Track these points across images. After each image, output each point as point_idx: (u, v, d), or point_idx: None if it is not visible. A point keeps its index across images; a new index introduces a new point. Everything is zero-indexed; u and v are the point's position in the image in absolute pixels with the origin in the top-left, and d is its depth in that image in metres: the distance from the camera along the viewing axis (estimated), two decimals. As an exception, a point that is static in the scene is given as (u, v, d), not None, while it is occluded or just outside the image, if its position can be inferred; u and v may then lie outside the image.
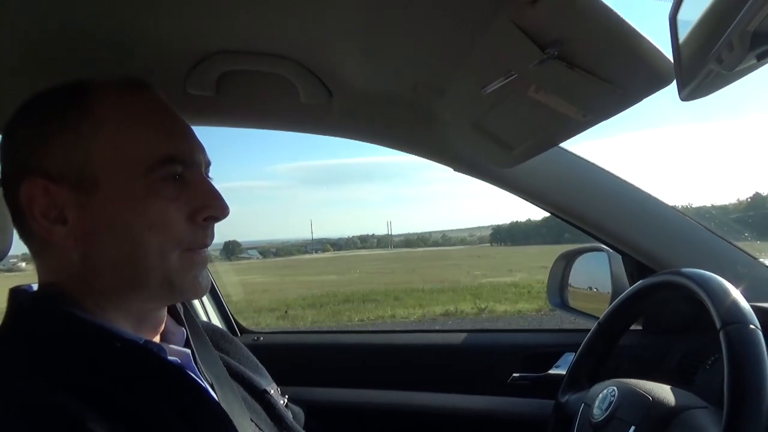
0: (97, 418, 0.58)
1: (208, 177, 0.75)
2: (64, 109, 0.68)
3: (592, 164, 1.21)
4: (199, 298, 0.71)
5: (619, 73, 0.67)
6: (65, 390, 0.59)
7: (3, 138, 0.72)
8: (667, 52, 0.62)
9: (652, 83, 0.67)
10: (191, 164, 0.71)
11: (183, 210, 0.69)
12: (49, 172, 0.67)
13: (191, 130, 0.75)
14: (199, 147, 0.74)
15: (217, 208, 0.71)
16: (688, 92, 0.55)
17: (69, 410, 0.57)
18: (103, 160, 0.67)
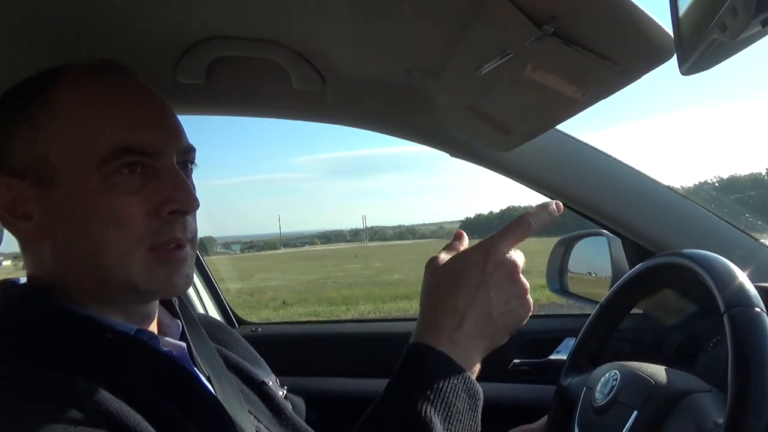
0: (90, 407, 0.57)
1: (192, 163, 0.72)
2: (28, 102, 0.66)
3: (590, 147, 1.20)
4: (175, 296, 0.70)
5: (618, 48, 0.66)
6: (55, 380, 0.58)
7: None
8: (667, 26, 0.61)
9: (652, 58, 0.65)
10: (154, 154, 0.66)
11: (145, 204, 0.65)
12: (12, 168, 0.65)
13: (163, 115, 0.70)
14: (169, 134, 0.69)
15: (181, 201, 0.66)
16: (689, 66, 0.53)
17: (65, 387, 0.56)
18: (61, 153, 0.64)
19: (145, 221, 0.64)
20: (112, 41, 0.90)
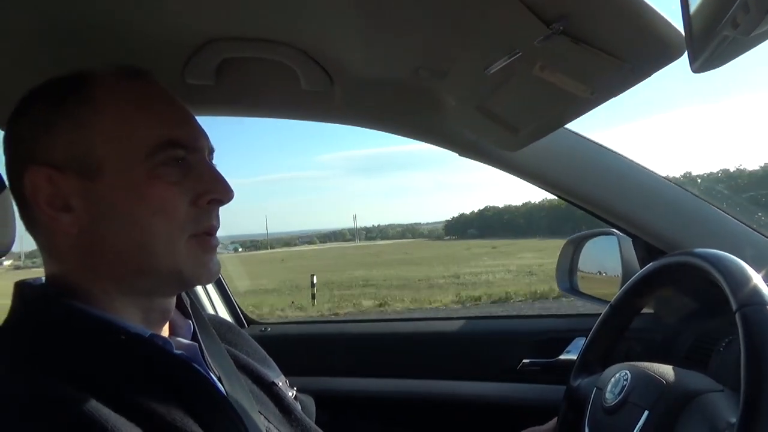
0: (103, 411, 0.58)
1: (212, 162, 0.75)
2: (65, 98, 0.68)
3: (599, 145, 1.19)
4: (209, 283, 0.73)
5: (628, 46, 0.65)
6: (70, 384, 0.58)
7: (6, 129, 0.72)
8: (677, 23, 0.60)
9: (663, 56, 0.64)
10: (193, 149, 0.71)
11: (186, 194, 0.69)
12: (52, 161, 0.67)
13: (192, 115, 0.75)
14: (200, 132, 0.74)
15: (221, 192, 0.71)
16: (701, 63, 0.52)
17: (74, 403, 0.57)
18: (105, 146, 0.67)
19: (187, 210, 0.69)
20: (121, 43, 0.91)
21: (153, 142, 0.67)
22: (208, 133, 0.75)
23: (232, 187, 0.73)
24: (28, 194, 0.67)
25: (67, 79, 0.70)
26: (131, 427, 0.58)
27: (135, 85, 0.71)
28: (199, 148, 0.72)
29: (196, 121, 0.75)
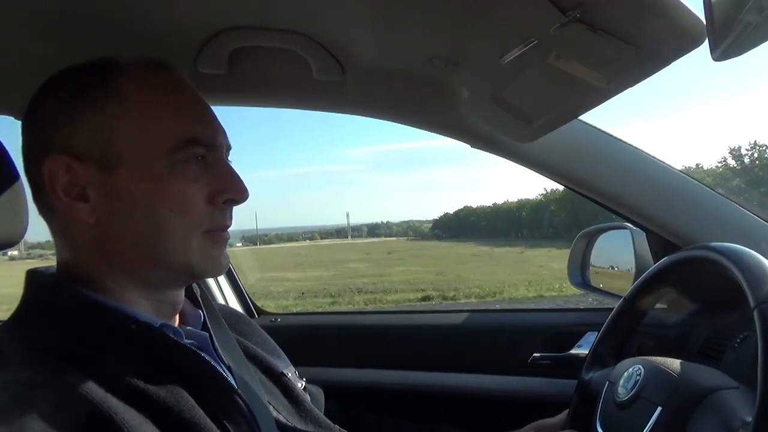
0: (114, 398, 0.58)
1: (229, 161, 0.75)
2: (90, 87, 0.68)
3: (614, 137, 1.17)
4: (218, 276, 0.74)
5: (646, 34, 0.64)
6: (81, 371, 0.59)
7: (27, 114, 0.72)
8: (697, 10, 0.59)
9: (682, 44, 0.63)
10: (213, 147, 0.71)
11: (203, 191, 0.69)
12: (73, 150, 0.67)
13: (213, 112, 0.75)
14: (220, 130, 0.74)
15: (237, 191, 0.72)
16: (722, 51, 0.51)
17: (86, 389, 0.57)
18: (128, 139, 0.67)
19: (203, 207, 0.69)
20: (135, 33, 0.91)
21: (176, 138, 0.67)
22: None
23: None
24: (45, 181, 0.67)
25: (90, 67, 0.70)
26: (138, 416, 0.59)
27: (160, 78, 0.71)
28: (218, 146, 0.72)
29: (216, 118, 0.75)
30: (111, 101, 0.67)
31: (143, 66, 0.71)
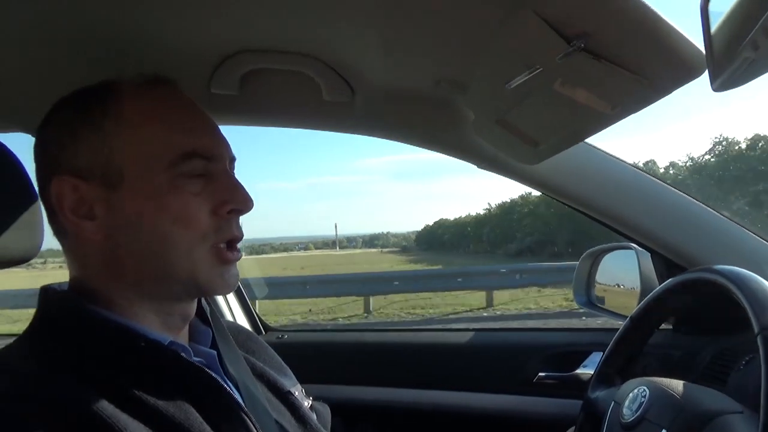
0: (124, 414, 0.59)
1: (233, 172, 0.76)
2: (90, 109, 0.70)
3: (618, 160, 1.18)
4: (226, 294, 0.74)
5: (648, 64, 0.65)
6: (91, 386, 0.60)
7: (36, 138, 0.74)
8: (698, 42, 0.60)
9: (683, 74, 0.64)
10: (214, 159, 0.72)
11: (207, 204, 0.70)
12: (76, 170, 0.68)
13: (215, 124, 0.76)
14: (222, 142, 0.75)
15: (240, 202, 0.72)
16: (721, 83, 0.53)
17: (95, 405, 0.58)
18: (128, 155, 0.68)
19: (208, 220, 0.69)
20: (150, 55, 0.93)
21: (175, 152, 0.68)
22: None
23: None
24: (53, 202, 0.69)
25: (92, 89, 0.72)
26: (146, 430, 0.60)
27: (158, 94, 0.72)
28: (220, 157, 0.73)
29: (218, 130, 0.76)
30: (109, 120, 0.69)
31: (141, 83, 0.73)
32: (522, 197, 37.73)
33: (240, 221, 0.75)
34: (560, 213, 28.29)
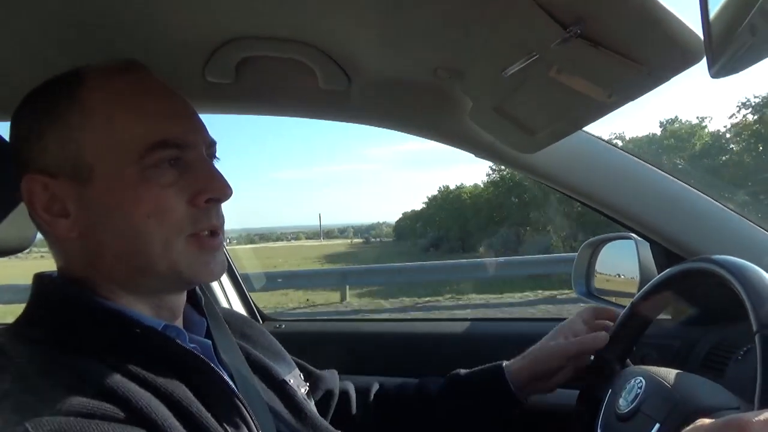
0: (131, 383, 0.60)
1: (215, 157, 0.74)
2: (55, 102, 0.68)
3: (617, 148, 1.17)
4: (212, 282, 0.73)
5: (646, 51, 0.64)
6: (97, 365, 0.61)
7: (9, 135, 0.73)
8: (695, 28, 0.59)
9: (681, 61, 0.63)
10: (186, 146, 0.69)
11: (183, 194, 0.68)
12: (46, 168, 0.67)
13: (188, 110, 0.73)
14: (196, 127, 0.72)
15: (217, 189, 0.70)
16: (718, 68, 0.52)
17: (108, 379, 0.59)
18: (96, 149, 0.66)
19: (184, 211, 0.67)
20: (143, 43, 0.92)
21: (144, 143, 0.66)
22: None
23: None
24: (25, 200, 0.68)
25: (59, 80, 0.70)
26: (153, 399, 0.60)
27: (124, 81, 0.69)
28: (194, 144, 0.70)
29: (193, 116, 0.73)
30: (74, 113, 0.67)
31: (106, 71, 0.70)
32: (441, 191, 37.63)
33: (221, 208, 0.73)
34: (454, 212, 30.04)
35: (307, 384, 0.95)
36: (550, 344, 1.04)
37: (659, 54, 0.64)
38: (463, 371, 1.09)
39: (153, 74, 0.72)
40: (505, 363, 1.06)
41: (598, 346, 0.99)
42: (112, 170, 0.66)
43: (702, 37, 0.54)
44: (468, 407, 1.04)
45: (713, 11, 0.51)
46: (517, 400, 1.02)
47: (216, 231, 0.71)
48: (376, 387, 1.10)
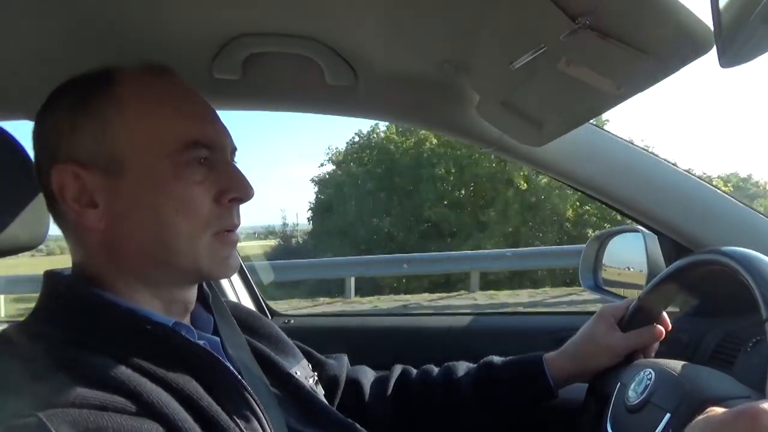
0: (141, 377, 0.61)
1: (234, 162, 0.77)
2: (91, 95, 0.70)
3: (624, 142, 1.17)
4: (228, 277, 0.76)
5: (655, 41, 0.64)
6: (109, 360, 0.61)
7: (34, 126, 0.74)
8: (705, 18, 0.59)
9: (691, 51, 0.63)
10: (216, 148, 0.72)
11: (209, 192, 0.70)
12: (78, 158, 0.68)
13: (216, 114, 0.76)
14: (224, 131, 0.75)
15: (242, 190, 0.73)
16: (729, 58, 0.52)
17: (111, 369, 0.60)
18: (130, 143, 0.68)
19: (210, 208, 0.70)
20: (151, 39, 0.93)
21: (178, 141, 0.68)
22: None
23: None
24: (55, 190, 0.69)
25: (92, 76, 0.72)
26: (163, 393, 0.61)
27: (160, 82, 0.72)
28: (222, 147, 0.73)
29: (219, 119, 0.76)
30: (111, 108, 0.69)
31: (143, 71, 0.73)
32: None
33: (240, 209, 0.76)
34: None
35: (315, 374, 0.95)
36: (600, 340, 0.99)
37: (669, 44, 0.64)
38: (496, 359, 1.07)
39: (181, 78, 0.75)
40: (544, 356, 1.04)
41: (658, 339, 0.97)
42: (146, 165, 0.68)
43: (712, 26, 0.54)
44: (501, 398, 1.02)
45: (723, 0, 0.51)
46: (554, 395, 1.01)
47: (233, 229, 0.74)
48: (397, 371, 1.10)
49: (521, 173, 13.22)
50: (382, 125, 15.14)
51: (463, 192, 14.50)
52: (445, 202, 14.13)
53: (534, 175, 13.09)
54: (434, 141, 14.22)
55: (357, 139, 16.19)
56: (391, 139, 15.15)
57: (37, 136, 0.73)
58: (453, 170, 14.08)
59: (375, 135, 15.64)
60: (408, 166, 14.44)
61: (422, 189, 13.80)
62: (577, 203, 13.59)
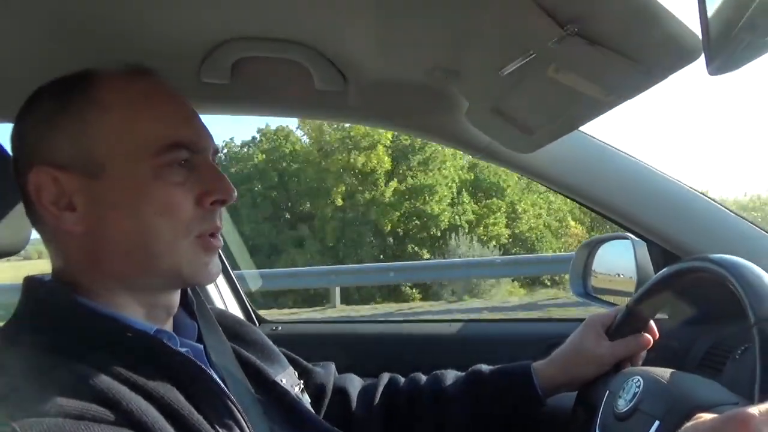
0: (121, 386, 0.60)
1: (215, 163, 0.75)
2: (70, 98, 0.69)
3: (614, 148, 1.18)
4: (208, 284, 0.74)
5: (644, 49, 0.64)
6: (89, 368, 0.60)
7: (13, 128, 0.73)
8: (693, 26, 0.59)
9: (679, 59, 0.63)
10: (197, 150, 0.71)
11: (190, 194, 0.69)
12: (56, 161, 0.67)
13: (197, 115, 0.75)
14: (205, 133, 0.74)
15: (224, 192, 0.72)
16: (717, 66, 0.52)
17: (91, 378, 0.59)
18: (109, 146, 0.67)
19: (192, 211, 0.69)
20: (138, 42, 0.92)
21: (158, 143, 0.68)
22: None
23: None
24: (32, 192, 0.68)
25: (72, 78, 0.71)
26: (143, 402, 0.60)
27: (140, 84, 0.71)
28: (203, 148, 0.72)
29: (201, 121, 0.75)
30: (89, 109, 0.68)
31: (123, 74, 0.72)
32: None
33: (222, 212, 0.75)
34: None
35: (301, 382, 0.94)
36: (588, 349, 0.99)
37: (657, 52, 0.64)
38: (485, 368, 1.06)
39: (162, 80, 0.74)
40: (533, 365, 1.03)
41: (645, 348, 0.97)
42: (125, 167, 0.67)
43: (700, 34, 0.54)
44: (489, 407, 1.01)
45: (712, 9, 0.51)
46: (543, 404, 1.01)
47: (216, 232, 0.73)
48: (385, 379, 1.09)
49: (339, 190, 13.41)
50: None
51: (282, 207, 14.86)
52: (263, 219, 14.36)
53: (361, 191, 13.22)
54: (261, 157, 14.54)
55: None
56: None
57: (16, 138, 0.72)
58: (276, 184, 14.43)
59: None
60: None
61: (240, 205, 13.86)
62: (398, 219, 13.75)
